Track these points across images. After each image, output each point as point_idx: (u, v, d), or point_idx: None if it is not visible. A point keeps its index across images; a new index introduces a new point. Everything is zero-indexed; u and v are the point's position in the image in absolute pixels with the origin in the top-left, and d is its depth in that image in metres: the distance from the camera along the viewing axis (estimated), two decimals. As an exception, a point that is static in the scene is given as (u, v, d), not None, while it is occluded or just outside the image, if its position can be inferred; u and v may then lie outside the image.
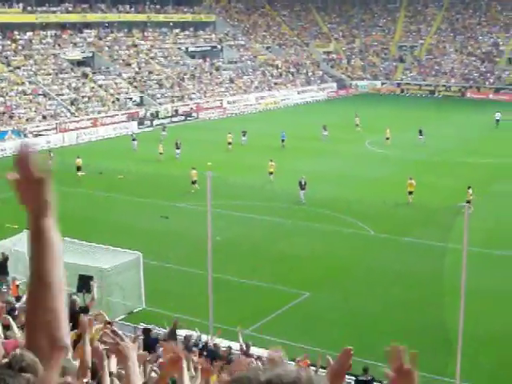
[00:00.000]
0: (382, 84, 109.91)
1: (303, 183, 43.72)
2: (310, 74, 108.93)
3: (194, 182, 45.12)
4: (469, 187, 40.43)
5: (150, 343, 20.05)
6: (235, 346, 21.88)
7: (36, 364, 2.17)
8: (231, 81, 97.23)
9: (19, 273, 28.88)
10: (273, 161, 49.03)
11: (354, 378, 19.52)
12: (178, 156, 56.49)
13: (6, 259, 28.62)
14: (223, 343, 22.48)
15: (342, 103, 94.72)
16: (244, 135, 62.65)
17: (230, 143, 60.42)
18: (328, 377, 3.88)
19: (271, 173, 48.54)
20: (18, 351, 2.57)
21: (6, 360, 2.34)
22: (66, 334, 2.78)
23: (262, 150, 57.80)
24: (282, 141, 60.26)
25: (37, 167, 2.78)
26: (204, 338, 22.65)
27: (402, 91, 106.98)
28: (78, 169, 50.46)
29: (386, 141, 62.05)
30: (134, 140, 64.02)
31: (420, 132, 62.24)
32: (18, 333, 8.49)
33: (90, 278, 25.06)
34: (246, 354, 20.36)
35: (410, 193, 42.34)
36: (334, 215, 39.89)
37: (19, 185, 2.79)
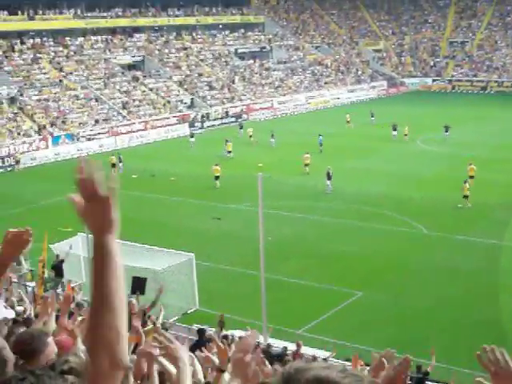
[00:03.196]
0: (433, 81, 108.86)
1: (330, 174, 45.22)
2: (359, 72, 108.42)
3: (216, 178, 47.45)
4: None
5: (203, 344, 20.15)
6: (290, 346, 21.87)
7: (82, 368, 2.20)
8: (281, 81, 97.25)
9: (74, 275, 29.31)
10: (308, 153, 51.20)
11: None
12: (230, 155, 57.57)
13: (61, 262, 29.04)
14: (277, 343, 22.50)
15: (393, 101, 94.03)
16: (272, 137, 62.69)
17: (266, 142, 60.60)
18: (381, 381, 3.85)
19: (307, 165, 50.85)
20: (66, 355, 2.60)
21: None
22: (126, 354, 2.80)
23: (312, 149, 57.67)
24: (320, 145, 59.43)
25: (102, 185, 2.72)
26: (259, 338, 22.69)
27: (454, 88, 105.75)
28: (113, 166, 52.17)
29: (404, 137, 62.66)
30: (191, 137, 65.31)
31: (446, 129, 61.92)
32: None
33: (144, 280, 25.29)
34: (297, 353, 20.33)
35: (471, 177, 42.92)
36: (386, 214, 39.64)
37: (80, 205, 2.74)
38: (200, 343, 20.46)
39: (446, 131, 61.59)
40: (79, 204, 2.74)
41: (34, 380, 2.09)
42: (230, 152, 58.06)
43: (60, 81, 77.64)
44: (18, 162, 59.66)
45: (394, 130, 63.63)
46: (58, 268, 28.99)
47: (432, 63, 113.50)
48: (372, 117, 73.90)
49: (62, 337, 7.14)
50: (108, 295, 2.70)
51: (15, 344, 4.96)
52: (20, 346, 4.89)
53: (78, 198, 2.74)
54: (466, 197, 40.65)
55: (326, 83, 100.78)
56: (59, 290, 27.84)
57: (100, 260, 2.73)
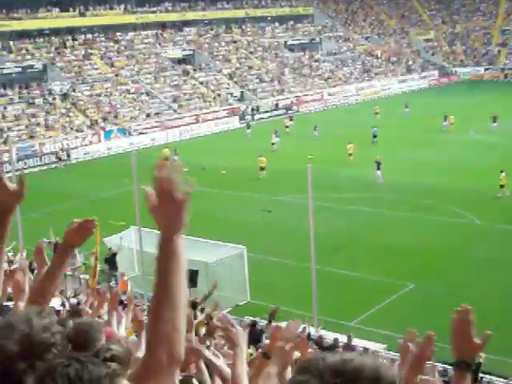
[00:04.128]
0: (485, 70, 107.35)
1: (380, 164, 45.38)
2: (410, 62, 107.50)
3: (262, 169, 48.28)
4: (501, 171, 40.77)
5: (255, 336, 20.29)
6: (341, 337, 21.89)
7: (124, 356, 2.28)
8: (331, 72, 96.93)
9: (127, 268, 29.67)
10: (352, 143, 51.95)
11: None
12: (276, 147, 58.10)
13: (114, 255, 29.41)
14: (328, 335, 22.54)
15: (444, 91, 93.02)
16: (315, 129, 62.81)
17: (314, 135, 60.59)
18: (409, 363, 3.90)
19: (350, 154, 51.66)
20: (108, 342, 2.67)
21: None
22: (183, 350, 2.84)
23: (361, 140, 57.41)
24: (374, 136, 59.28)
25: (178, 187, 2.76)
26: (310, 330, 22.75)
27: (506, 76, 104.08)
28: (166, 159, 52.24)
29: (450, 126, 62.88)
30: (248, 128, 66.15)
31: (494, 119, 61.40)
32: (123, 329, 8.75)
33: (196, 272, 25.52)
34: (348, 346, 20.34)
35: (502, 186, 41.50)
36: (438, 205, 39.29)
37: (154, 203, 2.78)
38: (252, 335, 20.61)
39: (494, 122, 60.97)
40: (151, 199, 2.78)
41: (79, 366, 2.16)
42: (273, 144, 58.48)
43: (116, 75, 78.49)
44: (68, 156, 60.55)
45: (445, 120, 63.18)
46: (111, 261, 29.38)
47: (484, 52, 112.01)
48: (406, 108, 73.62)
49: (106, 327, 7.28)
50: (171, 293, 2.75)
51: (72, 333, 5.09)
52: (76, 335, 5.02)
53: (152, 193, 2.78)
54: (502, 186, 40.79)
55: (376, 74, 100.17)
56: (112, 283, 28.25)
57: (165, 258, 2.78)
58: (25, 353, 2.61)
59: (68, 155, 60.68)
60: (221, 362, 4.29)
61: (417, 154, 52.60)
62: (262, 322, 23.63)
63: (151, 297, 2.87)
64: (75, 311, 9.78)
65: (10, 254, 26.12)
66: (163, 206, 2.76)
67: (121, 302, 11.74)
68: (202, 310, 17.97)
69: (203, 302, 18.66)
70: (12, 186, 3.20)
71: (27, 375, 2.58)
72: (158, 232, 2.82)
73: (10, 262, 23.52)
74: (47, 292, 4.09)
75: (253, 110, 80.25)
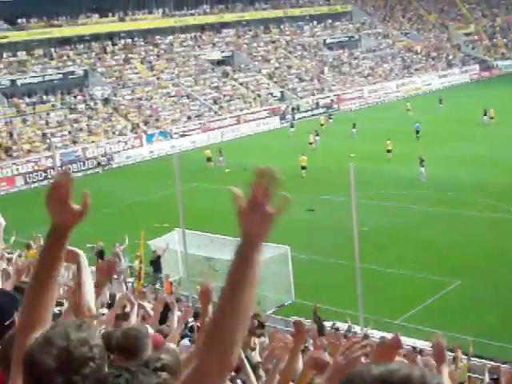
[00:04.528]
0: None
1: (423, 161, 44.93)
2: (450, 57, 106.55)
3: (303, 168, 49.18)
4: None
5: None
6: (388, 336, 21.76)
7: (174, 365, 2.29)
8: (371, 69, 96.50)
9: (172, 270, 29.82)
10: (390, 140, 51.96)
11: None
12: (315, 146, 58.67)
13: (158, 257, 29.58)
14: (375, 333, 22.44)
15: (486, 85, 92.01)
16: (354, 127, 62.79)
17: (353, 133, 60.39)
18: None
19: (389, 151, 51.91)
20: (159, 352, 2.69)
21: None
22: (236, 357, 2.83)
23: (403, 136, 57.10)
24: (417, 132, 59.06)
25: (272, 199, 2.70)
26: (356, 328, 22.69)
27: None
28: (208, 159, 54.80)
29: (491, 120, 62.47)
30: (291, 127, 66.80)
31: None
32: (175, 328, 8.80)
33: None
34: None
35: None
36: (482, 201, 38.88)
37: (243, 207, 2.73)
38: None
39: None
40: (240, 201, 2.74)
41: (129, 377, 2.18)
42: (311, 143, 58.64)
43: (157, 79, 79.01)
44: (109, 161, 61.18)
45: (485, 114, 62.70)
46: (155, 263, 29.57)
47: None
48: (440, 103, 73.16)
49: (153, 334, 7.34)
50: (238, 303, 2.72)
51: (121, 339, 5.12)
52: (126, 341, 5.04)
53: (240, 195, 2.74)
54: None
55: (416, 70, 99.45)
56: (157, 286, 28.41)
57: (240, 265, 2.74)
58: (62, 367, 2.63)
59: (108, 160, 61.24)
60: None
61: (457, 149, 52.12)
62: (307, 323, 23.62)
63: (217, 301, 2.86)
64: (121, 315, 9.87)
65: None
66: (252, 212, 2.72)
67: (166, 305, 11.78)
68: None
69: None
70: (75, 206, 3.24)
71: None
72: (238, 238, 2.75)
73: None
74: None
75: (293, 109, 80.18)
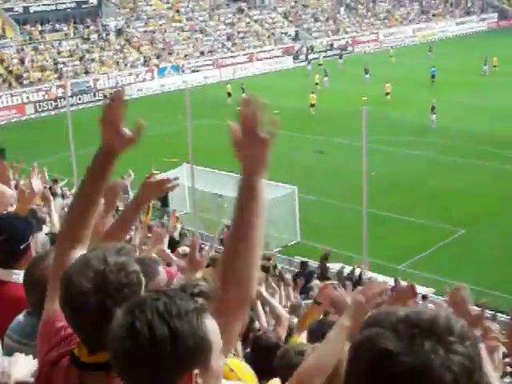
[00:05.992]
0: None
1: (435, 107, 44.73)
2: (469, 4, 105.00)
3: (312, 105, 49.37)
4: None
5: (306, 276, 20.45)
6: (390, 281, 21.90)
7: (211, 292, 2.33)
8: (387, 12, 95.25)
9: (179, 205, 29.95)
10: (389, 82, 52.56)
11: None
12: (327, 85, 58.84)
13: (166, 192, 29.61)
14: (378, 278, 22.57)
15: (503, 35, 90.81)
16: (366, 73, 62.28)
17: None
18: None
19: (387, 94, 52.52)
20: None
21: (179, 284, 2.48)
22: (255, 290, 2.90)
23: (415, 83, 56.78)
24: (432, 76, 58.82)
25: (262, 126, 2.78)
26: (357, 271, 22.81)
27: None
28: (229, 95, 54.68)
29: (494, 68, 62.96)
30: (309, 63, 69.07)
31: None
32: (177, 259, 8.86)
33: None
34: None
35: None
36: (495, 151, 38.67)
37: (238, 141, 2.81)
38: (303, 275, 20.77)
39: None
40: (236, 136, 2.81)
41: (168, 300, 2.24)
42: (316, 84, 58.28)
43: (172, 12, 78.18)
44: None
45: (485, 64, 63.04)
46: (163, 198, 29.65)
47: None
48: (429, 51, 74.26)
49: (169, 267, 7.38)
50: (249, 232, 2.78)
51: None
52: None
53: (237, 128, 2.81)
54: None
55: (433, 15, 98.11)
56: (165, 220, 28.53)
57: (246, 198, 2.81)
58: (97, 290, 2.69)
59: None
60: (276, 302, 4.30)
61: (471, 98, 51.67)
62: (313, 263, 23.78)
63: (228, 234, 2.91)
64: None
65: (65, 189, 26.51)
66: (247, 143, 2.79)
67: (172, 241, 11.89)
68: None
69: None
70: (128, 132, 3.31)
71: (99, 311, 2.66)
72: (240, 170, 2.84)
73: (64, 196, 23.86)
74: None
75: (307, 49, 79.47)
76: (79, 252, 3.10)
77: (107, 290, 2.70)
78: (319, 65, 67.84)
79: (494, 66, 62.65)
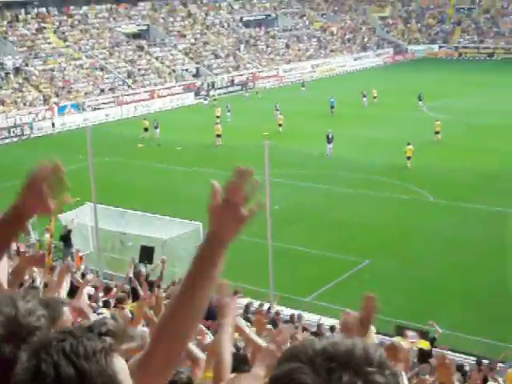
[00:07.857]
0: (440, 48, 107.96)
1: (330, 137, 46.04)
2: (366, 39, 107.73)
3: (218, 136, 50.61)
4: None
5: (212, 311, 20.30)
6: (296, 313, 22.02)
7: (119, 331, 2.26)
8: (287, 48, 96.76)
9: (82, 245, 29.46)
10: (281, 114, 54.88)
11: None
12: (229, 120, 59.02)
13: (69, 232, 29.18)
14: (284, 311, 22.66)
15: (399, 69, 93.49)
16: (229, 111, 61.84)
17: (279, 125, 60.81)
18: (357, 327, 3.96)
19: (280, 125, 53.82)
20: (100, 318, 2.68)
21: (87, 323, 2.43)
22: (182, 355, 2.84)
23: (316, 118, 57.76)
24: (331, 107, 60.27)
25: (246, 202, 2.68)
26: (266, 306, 22.84)
27: (460, 55, 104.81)
28: (145, 130, 54.72)
29: (373, 100, 65.24)
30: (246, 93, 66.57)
31: (419, 97, 62.23)
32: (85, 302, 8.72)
33: (152, 249, 25.46)
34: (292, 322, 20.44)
35: (409, 158, 42.70)
36: (392, 182, 39.60)
37: (217, 204, 2.70)
38: (209, 311, 20.61)
39: (420, 99, 62.16)
40: (217, 196, 2.70)
41: (74, 341, 2.16)
42: (218, 117, 58.00)
43: (64, 50, 77.39)
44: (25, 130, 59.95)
45: (364, 96, 64.97)
46: (66, 238, 29.16)
47: (438, 30, 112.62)
48: (302, 87, 77.65)
49: (73, 306, 7.23)
50: (196, 299, 2.73)
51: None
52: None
53: (219, 190, 2.69)
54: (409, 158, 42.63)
55: (331, 51, 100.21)
56: (68, 260, 28.01)
57: (203, 260, 2.75)
58: (11, 336, 2.59)
59: (22, 130, 60.14)
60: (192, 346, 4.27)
61: (367, 130, 52.78)
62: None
63: (175, 291, 2.82)
64: (30, 289, 9.71)
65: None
66: (226, 211, 2.69)
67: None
68: (159, 286, 18.02)
69: (160, 281, 18.85)
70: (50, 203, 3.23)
71: (14, 358, 2.57)
72: (206, 232, 2.76)
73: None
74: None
75: (208, 85, 79.92)
76: None
77: (21, 335, 2.62)
78: (214, 100, 68.49)
79: (374, 97, 64.96)
